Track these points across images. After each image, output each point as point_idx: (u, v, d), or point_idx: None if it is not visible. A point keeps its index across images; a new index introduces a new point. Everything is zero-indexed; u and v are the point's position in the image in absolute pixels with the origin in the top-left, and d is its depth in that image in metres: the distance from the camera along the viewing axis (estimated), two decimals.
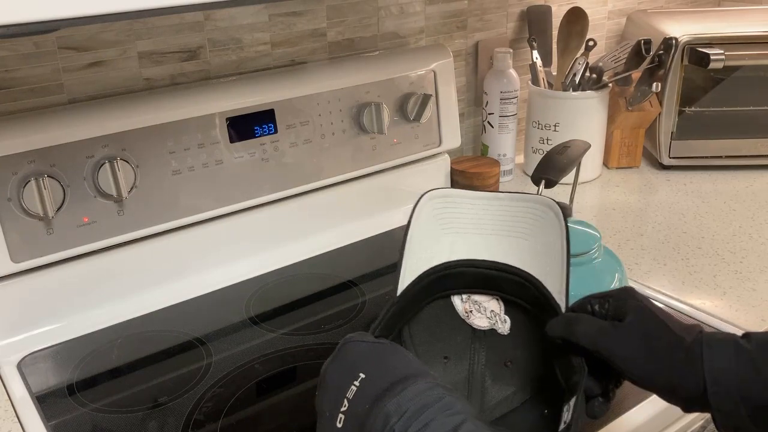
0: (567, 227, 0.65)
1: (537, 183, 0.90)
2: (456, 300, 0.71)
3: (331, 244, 1.04)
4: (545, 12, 1.30)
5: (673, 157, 1.28)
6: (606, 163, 1.31)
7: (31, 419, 0.72)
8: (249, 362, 0.79)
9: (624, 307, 0.58)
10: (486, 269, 0.69)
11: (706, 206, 1.15)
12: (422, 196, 0.70)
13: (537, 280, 0.66)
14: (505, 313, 0.70)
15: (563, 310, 0.63)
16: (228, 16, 0.97)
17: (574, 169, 0.96)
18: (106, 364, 0.81)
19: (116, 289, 0.89)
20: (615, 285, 0.78)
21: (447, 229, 0.71)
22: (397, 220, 1.10)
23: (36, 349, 0.83)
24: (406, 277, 0.67)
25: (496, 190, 1.19)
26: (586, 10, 1.24)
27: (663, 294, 0.90)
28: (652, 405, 0.71)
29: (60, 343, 0.84)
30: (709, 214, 1.12)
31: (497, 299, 0.70)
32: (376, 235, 1.08)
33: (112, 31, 0.89)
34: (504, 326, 0.69)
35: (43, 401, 0.74)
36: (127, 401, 0.74)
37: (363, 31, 1.11)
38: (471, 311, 0.70)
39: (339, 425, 0.51)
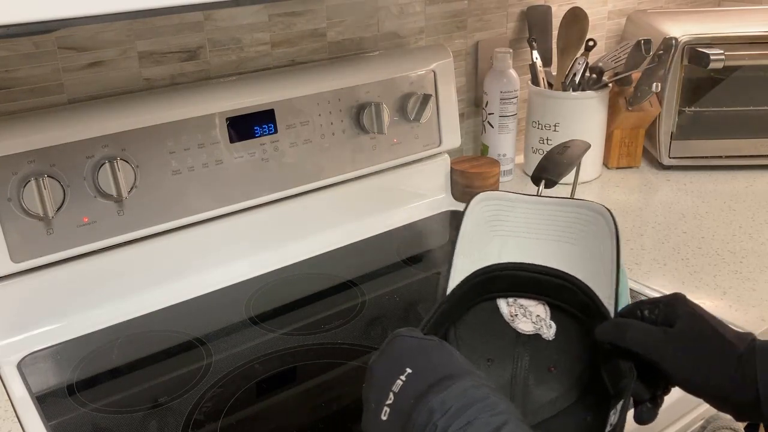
0: (617, 233, 0.66)
1: (537, 183, 0.90)
2: (502, 303, 0.71)
3: (331, 244, 1.04)
4: (545, 12, 1.30)
5: (673, 157, 1.28)
6: (606, 163, 1.31)
7: (31, 419, 0.72)
8: (249, 362, 0.79)
9: (674, 312, 0.58)
10: (534, 273, 0.69)
11: (706, 206, 1.15)
12: (474, 197, 0.71)
13: (586, 285, 0.66)
14: (551, 318, 0.69)
15: (612, 315, 0.63)
16: (228, 16, 0.97)
17: (574, 169, 0.96)
18: (106, 364, 0.81)
19: (116, 289, 0.89)
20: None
21: (497, 232, 0.72)
22: (397, 220, 1.10)
23: (36, 349, 0.83)
24: (455, 278, 0.67)
25: (497, 190, 1.19)
26: (586, 10, 1.24)
27: (662, 294, 0.90)
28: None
29: (60, 343, 0.84)
30: (709, 214, 1.12)
31: (543, 304, 0.70)
32: (376, 235, 1.08)
33: (112, 31, 0.89)
34: (549, 331, 0.69)
35: (43, 401, 0.74)
36: (127, 401, 0.74)
37: (363, 31, 1.11)
38: (516, 315, 0.70)
39: (384, 417, 0.51)
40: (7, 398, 0.75)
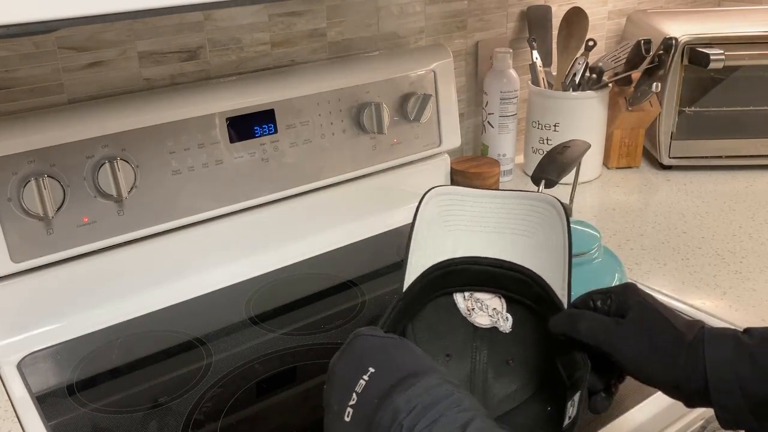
0: (569, 224, 0.66)
1: (537, 183, 0.90)
2: (458, 297, 0.71)
3: (331, 244, 1.04)
4: (545, 12, 1.30)
5: (673, 157, 1.28)
6: (606, 163, 1.31)
7: (31, 419, 0.72)
8: (249, 362, 0.79)
9: (626, 303, 0.58)
10: (488, 266, 0.69)
11: (706, 206, 1.15)
12: (426, 192, 0.71)
13: (539, 277, 0.66)
14: (507, 311, 0.70)
15: (565, 306, 0.63)
16: (228, 16, 0.97)
17: (574, 169, 0.96)
18: (106, 364, 0.81)
19: (116, 289, 0.89)
20: (614, 284, 0.78)
21: (450, 227, 0.72)
22: (397, 220, 1.10)
23: (36, 349, 0.83)
24: (411, 274, 0.67)
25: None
26: (586, 10, 1.24)
27: (663, 294, 0.90)
28: (654, 404, 0.71)
29: (60, 343, 0.84)
30: (709, 214, 1.12)
31: (499, 297, 0.70)
32: (376, 235, 1.08)
33: (112, 31, 0.89)
34: (506, 324, 0.69)
35: (43, 401, 0.74)
36: (127, 401, 0.74)
37: (363, 31, 1.11)
38: (473, 309, 0.70)
39: (347, 419, 0.51)
40: (7, 398, 0.75)
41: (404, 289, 0.66)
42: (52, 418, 0.72)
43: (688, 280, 0.94)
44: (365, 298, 0.92)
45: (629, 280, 0.86)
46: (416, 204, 0.70)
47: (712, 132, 1.27)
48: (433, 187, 0.71)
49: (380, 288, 0.94)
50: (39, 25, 0.47)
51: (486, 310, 0.70)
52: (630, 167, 1.31)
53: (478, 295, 0.71)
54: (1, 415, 0.73)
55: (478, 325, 0.70)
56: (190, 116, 0.89)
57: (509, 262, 0.68)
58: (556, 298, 0.64)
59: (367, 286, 0.94)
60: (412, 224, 0.69)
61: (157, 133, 0.87)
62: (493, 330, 0.70)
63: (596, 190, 1.23)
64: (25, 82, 0.85)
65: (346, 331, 0.85)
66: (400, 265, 0.85)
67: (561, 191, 1.04)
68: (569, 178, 0.96)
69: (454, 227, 0.72)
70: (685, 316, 0.57)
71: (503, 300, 0.70)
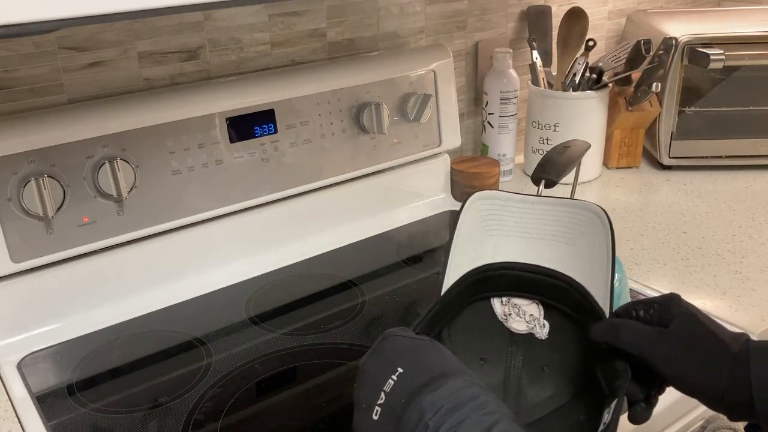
0: (613, 233, 0.65)
1: (537, 183, 0.90)
2: (495, 303, 0.71)
3: (331, 244, 1.04)
4: (545, 12, 1.30)
5: (673, 157, 1.28)
6: (606, 163, 1.31)
7: (31, 419, 0.72)
8: (249, 362, 0.79)
9: (669, 313, 0.58)
10: (527, 273, 0.69)
11: (706, 206, 1.15)
12: (469, 197, 0.71)
13: (580, 284, 0.66)
14: (545, 318, 0.69)
15: (607, 315, 0.63)
16: (228, 16, 0.97)
17: (574, 169, 0.96)
18: (106, 364, 0.81)
19: (116, 289, 0.89)
20: (615, 285, 0.78)
21: (491, 232, 0.71)
22: (397, 220, 1.10)
23: (36, 349, 0.83)
24: (450, 278, 0.67)
25: (493, 190, 1.19)
26: (586, 10, 1.24)
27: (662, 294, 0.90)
28: None
29: (60, 343, 0.84)
30: (709, 214, 1.12)
31: (537, 303, 0.70)
32: (376, 235, 1.08)
33: (112, 31, 0.89)
34: (542, 331, 0.69)
35: (43, 401, 0.74)
36: (127, 401, 0.74)
37: (363, 31, 1.11)
38: (510, 314, 0.70)
39: (375, 417, 0.51)
40: (7, 398, 0.75)
41: (442, 292, 0.66)
42: (52, 418, 0.72)
43: (688, 280, 0.94)
44: (365, 298, 0.92)
45: (630, 281, 0.86)
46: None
47: (712, 132, 1.27)
48: (476, 191, 0.71)
49: (380, 288, 0.94)
50: (39, 25, 0.47)
51: (523, 315, 0.70)
52: (630, 167, 1.31)
53: (516, 300, 0.71)
54: (1, 415, 0.73)
55: (514, 331, 0.70)
56: (190, 116, 0.89)
57: (548, 268, 0.68)
58: (597, 306, 0.64)
59: (367, 286, 0.94)
60: (453, 228, 0.68)
61: (157, 133, 0.87)
62: (530, 336, 0.69)
63: (596, 190, 1.23)
64: (25, 82, 0.85)
65: (346, 331, 0.85)
66: (401, 265, 0.85)
67: (561, 191, 1.04)
68: (569, 178, 0.96)
69: (494, 232, 0.71)
70: (730, 328, 0.57)
71: (541, 306, 0.70)
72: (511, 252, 0.70)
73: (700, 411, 0.76)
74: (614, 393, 0.57)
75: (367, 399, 0.53)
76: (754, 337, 0.60)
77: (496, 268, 0.69)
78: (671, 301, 0.59)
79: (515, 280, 0.69)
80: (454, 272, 0.67)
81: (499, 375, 0.69)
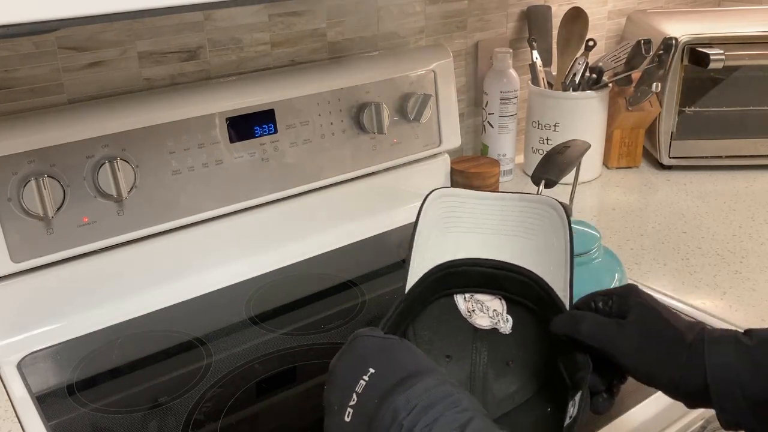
0: (570, 226, 0.66)
1: (537, 183, 0.90)
2: (459, 299, 0.71)
3: (331, 244, 1.04)
4: (545, 12, 1.30)
5: (673, 157, 1.28)
6: (606, 163, 1.31)
7: (31, 419, 0.72)
8: (249, 362, 0.79)
9: (627, 304, 0.58)
10: (489, 268, 0.69)
11: (706, 206, 1.15)
12: (429, 194, 0.71)
13: (541, 278, 0.67)
14: (508, 313, 0.70)
15: (567, 308, 0.63)
16: (228, 16, 0.97)
17: (574, 169, 0.96)
18: (106, 364, 0.81)
19: (116, 289, 0.89)
20: (615, 285, 0.78)
21: (452, 228, 0.72)
22: (397, 220, 1.10)
23: (36, 349, 0.83)
24: (413, 275, 0.67)
25: (497, 190, 1.19)
26: (586, 10, 1.24)
27: (663, 294, 0.90)
28: (654, 404, 0.71)
29: (60, 343, 0.84)
30: (709, 214, 1.12)
31: (500, 298, 0.70)
32: (376, 235, 1.08)
33: (112, 31, 0.89)
34: (506, 326, 0.69)
35: (43, 401, 0.74)
36: (127, 401, 0.74)
37: (363, 31, 1.11)
38: (473, 310, 0.70)
39: (347, 419, 0.51)
40: (7, 398, 0.75)
41: (406, 290, 0.66)
42: (52, 418, 0.72)
43: (688, 280, 0.94)
44: (365, 298, 0.92)
45: (630, 281, 0.86)
46: (417, 204, 0.70)
47: (712, 132, 1.27)
48: (435, 189, 0.72)
49: (380, 288, 0.94)
50: (39, 25, 0.47)
51: (486, 311, 0.70)
52: (630, 167, 1.31)
53: (479, 296, 0.71)
54: (1, 415, 0.73)
55: (478, 327, 0.70)
56: (190, 116, 0.89)
57: (510, 263, 0.69)
58: (558, 299, 0.64)
59: (367, 286, 0.94)
60: (415, 225, 0.69)
61: (157, 133, 0.87)
62: (494, 331, 0.70)
63: (596, 190, 1.23)
64: (25, 82, 0.85)
65: (346, 331, 0.85)
66: (401, 265, 0.85)
67: (561, 191, 1.04)
68: (569, 178, 0.96)
69: (455, 229, 0.72)
70: (685, 317, 0.57)
71: (504, 302, 0.70)
72: (473, 248, 0.70)
73: (700, 411, 0.76)
74: (577, 385, 0.57)
75: (338, 401, 0.52)
76: (753, 327, 0.59)
77: (458, 264, 0.69)
78: (629, 292, 0.60)
79: (477, 276, 0.70)
80: (416, 270, 0.67)
81: (464, 371, 0.69)
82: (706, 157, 1.28)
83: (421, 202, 0.71)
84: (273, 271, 0.98)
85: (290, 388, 0.75)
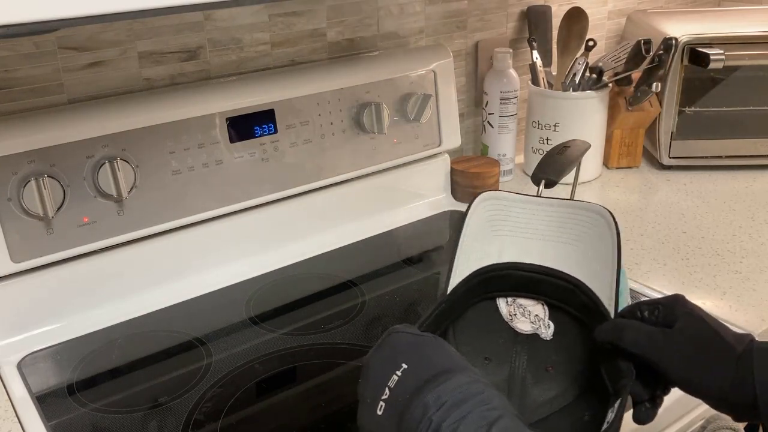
0: (619, 234, 0.66)
1: (537, 183, 0.90)
2: (501, 302, 0.71)
3: (331, 244, 1.04)
4: (545, 12, 1.30)
5: (673, 157, 1.28)
6: (606, 163, 1.31)
7: (31, 419, 0.72)
8: (249, 362, 0.79)
9: (673, 313, 0.58)
10: (532, 273, 0.69)
11: (706, 206, 1.15)
12: (476, 197, 0.71)
13: (585, 285, 0.66)
14: (549, 318, 0.70)
15: (612, 316, 0.63)
16: (228, 16, 0.97)
17: (574, 169, 0.96)
18: (106, 364, 0.81)
19: (116, 289, 0.89)
20: None
21: (497, 232, 0.72)
22: (397, 220, 1.10)
23: (36, 349, 0.83)
24: (456, 277, 0.67)
25: (498, 190, 1.19)
26: (586, 10, 1.24)
27: (663, 294, 0.90)
28: None
29: (60, 343, 0.84)
30: (709, 214, 1.12)
31: (542, 304, 0.70)
32: (376, 235, 1.08)
33: (112, 31, 0.89)
34: (547, 331, 0.69)
35: (43, 401, 0.74)
36: (127, 401, 0.74)
37: (363, 31, 1.11)
38: (515, 314, 0.70)
39: (379, 412, 0.52)
40: (7, 398, 0.75)
41: (448, 291, 0.66)
42: (52, 418, 0.72)
43: (688, 280, 0.94)
44: (365, 298, 0.92)
45: (630, 281, 0.86)
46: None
47: (712, 132, 1.27)
48: (483, 191, 0.72)
49: (380, 288, 0.94)
50: (39, 25, 0.47)
51: (528, 316, 0.70)
52: (630, 167, 1.31)
53: (521, 300, 0.71)
54: (1, 415, 0.73)
55: (519, 331, 0.70)
56: (190, 116, 0.89)
57: (553, 269, 0.68)
58: (603, 307, 0.64)
59: (367, 286, 0.94)
60: (460, 227, 0.69)
61: (157, 133, 0.87)
62: (534, 336, 0.70)
63: (596, 190, 1.23)
64: (25, 82, 0.85)
65: (346, 331, 0.85)
66: (401, 265, 0.85)
67: (561, 191, 1.04)
68: (569, 178, 0.96)
69: (500, 232, 0.72)
70: (734, 329, 0.57)
71: (546, 307, 0.70)
72: (517, 252, 0.71)
73: (700, 411, 0.76)
74: (618, 393, 0.57)
75: (371, 394, 0.53)
76: (755, 337, 0.59)
77: (501, 268, 0.70)
78: (676, 302, 0.59)
79: (520, 281, 0.70)
80: (460, 271, 0.68)
81: (503, 374, 0.69)
82: (706, 157, 1.28)
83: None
84: (273, 271, 0.98)
85: (290, 388, 0.75)
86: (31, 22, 0.47)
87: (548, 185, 0.89)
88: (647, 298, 0.62)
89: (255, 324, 0.87)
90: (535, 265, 0.69)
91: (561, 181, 0.91)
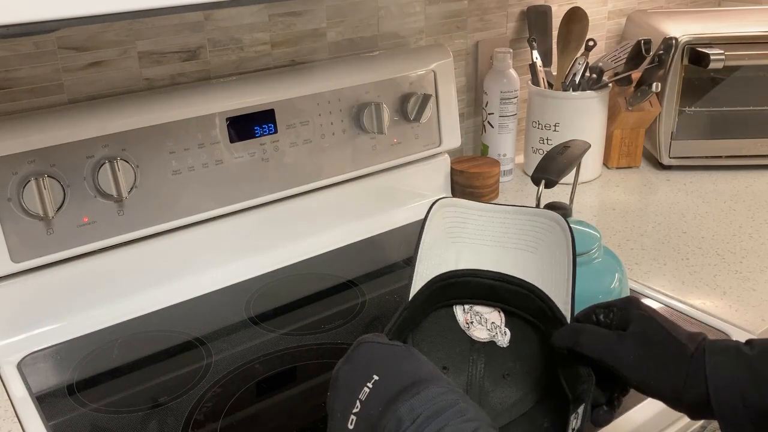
0: (573, 240, 0.66)
1: (537, 183, 0.90)
2: (458, 310, 0.71)
3: (331, 244, 1.04)
4: (545, 12, 1.30)
5: (673, 157, 1.28)
6: (606, 163, 1.31)
7: (31, 419, 0.72)
8: (249, 362, 0.79)
9: (628, 316, 0.58)
10: (489, 280, 0.69)
11: (706, 206, 1.15)
12: (434, 203, 0.71)
13: (542, 291, 0.66)
14: (506, 326, 0.70)
15: (568, 321, 0.63)
16: (228, 16, 0.97)
17: (574, 169, 0.96)
18: (106, 364, 0.81)
19: (116, 289, 0.89)
20: (615, 285, 0.78)
21: (455, 239, 0.72)
22: (397, 220, 1.10)
23: (36, 349, 0.83)
24: (418, 283, 0.67)
25: (496, 191, 1.19)
26: (586, 10, 1.24)
27: (663, 294, 0.90)
28: (654, 404, 0.71)
29: (60, 343, 0.84)
30: (709, 214, 1.12)
31: (498, 311, 0.70)
32: (376, 235, 1.08)
33: (112, 31, 0.89)
34: (504, 339, 0.69)
35: (43, 401, 0.74)
36: (127, 401, 0.74)
37: (363, 31, 1.11)
38: (472, 322, 0.70)
39: (350, 426, 0.50)
40: (7, 398, 0.75)
41: (410, 298, 0.66)
42: (52, 418, 0.72)
43: (688, 280, 0.93)
44: (365, 298, 0.92)
45: (630, 281, 0.86)
46: (417, 204, 0.71)
47: (712, 132, 1.27)
48: (439, 198, 0.72)
49: (380, 288, 0.94)
50: (39, 25, 0.47)
51: (484, 323, 0.70)
52: (630, 167, 1.31)
53: (478, 308, 0.71)
54: (1, 415, 0.73)
55: (476, 339, 0.70)
56: (190, 116, 0.89)
57: (510, 275, 0.68)
58: (559, 312, 0.64)
59: (367, 286, 0.94)
60: (420, 234, 0.69)
61: (157, 133, 0.87)
62: (491, 344, 0.70)
63: (596, 190, 1.23)
64: (25, 82, 0.85)
65: (346, 331, 0.85)
66: (401, 265, 0.85)
67: (561, 191, 1.04)
68: (569, 178, 0.96)
69: (458, 239, 0.72)
70: (686, 328, 0.57)
71: (502, 314, 0.70)
72: (475, 259, 0.71)
73: None
74: (579, 398, 0.57)
75: (341, 408, 0.52)
76: (754, 337, 0.60)
77: (460, 275, 0.69)
78: (629, 303, 0.60)
79: (478, 288, 0.70)
80: (421, 278, 0.68)
81: (461, 383, 0.69)
82: (706, 157, 1.28)
83: (418, 201, 0.71)
84: (273, 271, 0.98)
85: (290, 388, 0.75)
86: (31, 22, 0.47)
87: (548, 185, 0.90)
88: (603, 302, 0.62)
89: (255, 324, 0.87)
90: (493, 271, 0.69)
91: (561, 181, 0.91)
